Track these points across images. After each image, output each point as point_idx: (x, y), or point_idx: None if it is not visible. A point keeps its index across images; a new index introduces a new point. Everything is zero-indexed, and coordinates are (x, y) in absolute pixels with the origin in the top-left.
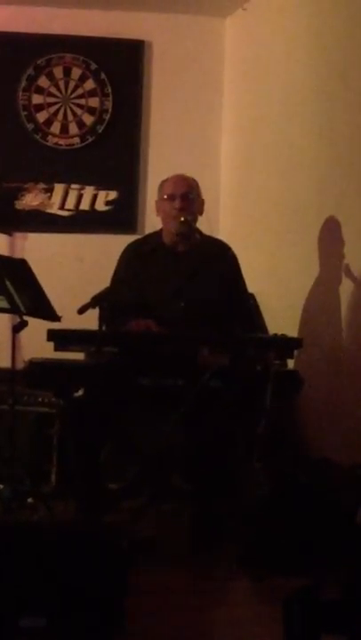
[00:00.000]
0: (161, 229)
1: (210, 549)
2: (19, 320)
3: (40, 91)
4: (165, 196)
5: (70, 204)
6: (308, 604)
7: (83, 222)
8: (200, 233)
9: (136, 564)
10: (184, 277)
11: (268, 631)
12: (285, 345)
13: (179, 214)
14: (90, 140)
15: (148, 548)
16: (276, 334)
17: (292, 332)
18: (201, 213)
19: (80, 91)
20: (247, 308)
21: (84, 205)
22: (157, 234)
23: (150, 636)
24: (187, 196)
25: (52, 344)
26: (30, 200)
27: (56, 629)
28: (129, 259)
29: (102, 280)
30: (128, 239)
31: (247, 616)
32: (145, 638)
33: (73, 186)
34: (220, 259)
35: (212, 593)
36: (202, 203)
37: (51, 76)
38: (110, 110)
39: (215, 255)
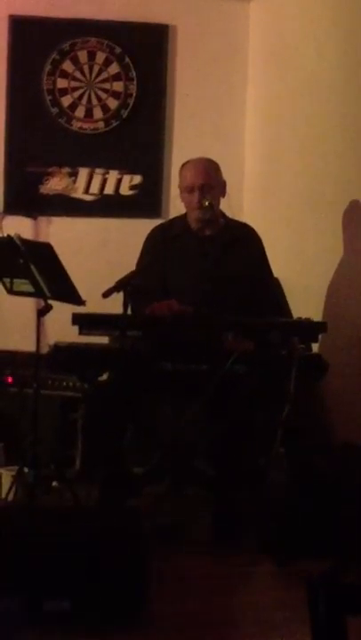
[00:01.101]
0: (186, 213)
1: (232, 535)
2: (43, 304)
3: (64, 75)
4: (185, 188)
5: (95, 188)
6: (332, 586)
7: (107, 206)
8: (224, 216)
9: (158, 549)
10: (209, 261)
11: (291, 616)
12: (310, 329)
13: (199, 205)
14: (114, 124)
15: (171, 533)
16: (300, 318)
17: (317, 317)
18: (223, 196)
19: (104, 75)
20: (272, 291)
21: (109, 190)
22: (183, 217)
23: (172, 620)
24: (205, 187)
25: (76, 328)
26: (55, 184)
27: (79, 613)
28: (154, 242)
29: (127, 264)
30: (152, 223)
31: (270, 601)
32: (167, 623)
33: (97, 170)
34: (245, 242)
35: (234, 578)
36: (223, 185)
37: (75, 61)
38: (135, 94)
39: (240, 239)
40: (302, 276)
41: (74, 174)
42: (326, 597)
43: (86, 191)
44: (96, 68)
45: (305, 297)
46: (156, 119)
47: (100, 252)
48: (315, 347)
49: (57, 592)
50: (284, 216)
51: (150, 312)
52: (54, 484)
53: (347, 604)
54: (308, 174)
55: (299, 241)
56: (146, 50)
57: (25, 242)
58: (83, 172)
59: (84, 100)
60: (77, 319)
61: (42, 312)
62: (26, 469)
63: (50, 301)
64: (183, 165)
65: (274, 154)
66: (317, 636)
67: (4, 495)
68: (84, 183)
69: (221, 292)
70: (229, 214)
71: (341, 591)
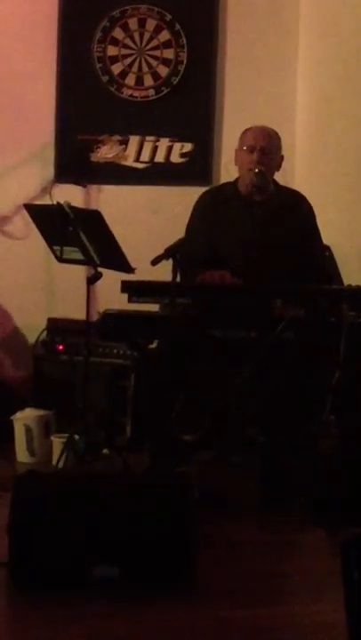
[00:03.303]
0: (237, 178)
1: (281, 502)
2: (93, 272)
3: (115, 42)
4: (245, 147)
5: (145, 156)
6: None
7: (158, 174)
8: (275, 183)
9: (206, 515)
10: (258, 227)
11: (337, 581)
12: (359, 296)
13: (255, 166)
14: (165, 91)
15: (220, 500)
16: (350, 285)
17: None
18: (279, 169)
19: (155, 42)
20: (322, 259)
21: (159, 157)
22: (233, 183)
23: (220, 585)
24: (266, 150)
25: (125, 296)
26: (105, 152)
27: (128, 579)
28: (203, 207)
29: (176, 232)
30: (203, 191)
31: (320, 567)
32: (215, 588)
33: (148, 138)
34: (295, 209)
35: (283, 544)
36: (281, 158)
37: (125, 28)
38: (185, 62)
39: (290, 206)
40: (353, 244)
41: (124, 142)
42: (359, 561)
43: (137, 159)
44: (146, 36)
45: (356, 264)
46: (207, 86)
47: (149, 220)
48: None
49: (105, 558)
50: (335, 183)
51: (202, 280)
52: (104, 451)
53: None
54: (358, 142)
55: (350, 208)
56: (196, 17)
57: (74, 209)
58: (133, 140)
59: (135, 68)
60: (127, 287)
61: (91, 280)
62: (76, 436)
63: (99, 269)
64: (248, 128)
65: (325, 120)
66: (350, 600)
67: (54, 462)
68: (135, 151)
69: (269, 257)
70: (281, 182)
71: None
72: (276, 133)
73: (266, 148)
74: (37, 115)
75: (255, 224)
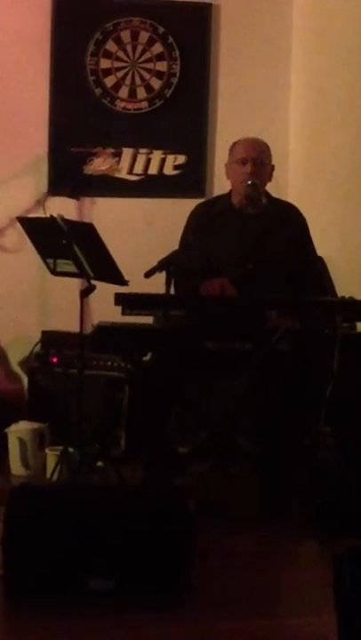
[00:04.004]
0: (230, 191)
1: (277, 513)
2: (86, 284)
3: (108, 55)
4: (237, 160)
5: (139, 168)
6: (358, 561)
7: (151, 187)
8: (268, 196)
9: (203, 527)
10: (252, 240)
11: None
12: (353, 308)
13: (249, 178)
14: (158, 104)
15: (216, 510)
16: (343, 297)
17: None
18: (270, 179)
19: (148, 55)
20: (316, 271)
21: (153, 170)
22: (226, 196)
23: (216, 598)
24: (258, 161)
25: (119, 308)
26: (99, 165)
27: (124, 591)
28: (197, 220)
29: (170, 244)
30: (196, 203)
31: (315, 579)
32: (211, 600)
33: (141, 150)
34: (288, 221)
35: (279, 555)
36: (272, 168)
37: (118, 41)
38: (178, 74)
39: (284, 218)
40: (347, 255)
41: (118, 155)
42: (351, 574)
43: (130, 171)
44: (139, 48)
45: (349, 276)
46: (200, 99)
47: (143, 233)
48: (359, 326)
49: (102, 570)
50: (328, 194)
51: (204, 288)
52: (99, 463)
53: None
54: (352, 153)
55: (344, 220)
56: (189, 29)
57: (68, 222)
58: (127, 153)
59: (128, 80)
60: (120, 299)
61: (85, 292)
62: (71, 449)
63: (93, 282)
64: (236, 141)
65: (318, 132)
66: (342, 613)
67: (49, 475)
68: (128, 163)
69: (263, 270)
70: (274, 193)
71: None
72: (266, 143)
73: (258, 158)
74: (31, 127)
75: (249, 237)
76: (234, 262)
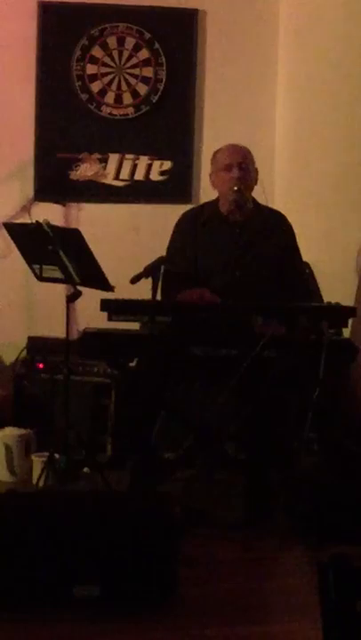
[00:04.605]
0: (217, 198)
1: (263, 519)
2: (72, 290)
3: (94, 61)
4: (222, 167)
5: (125, 174)
6: (342, 570)
7: (137, 192)
8: (255, 202)
9: (188, 533)
10: (239, 247)
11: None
12: (339, 314)
13: (236, 183)
14: (144, 109)
15: (201, 517)
16: (330, 303)
17: (348, 301)
18: (256, 183)
19: (134, 60)
20: (303, 278)
21: (139, 175)
22: (213, 203)
23: (202, 604)
24: (243, 165)
25: (105, 314)
26: (85, 170)
27: (109, 598)
28: (184, 228)
29: (157, 250)
30: (183, 209)
31: (301, 585)
32: (197, 607)
33: (127, 156)
34: (275, 228)
35: (264, 562)
36: (256, 172)
37: (105, 46)
38: (164, 80)
39: (271, 225)
40: (333, 261)
41: (104, 160)
42: (336, 582)
43: (116, 177)
44: (125, 54)
45: (335, 282)
46: (186, 104)
47: (129, 238)
48: (345, 332)
49: (86, 578)
50: (314, 200)
51: (182, 299)
52: (85, 470)
53: (358, 588)
54: (339, 159)
55: (330, 226)
56: (175, 35)
57: (54, 228)
58: (113, 158)
59: (114, 86)
60: (106, 305)
61: (71, 298)
62: (57, 455)
63: (79, 287)
64: (217, 150)
65: (304, 138)
66: (327, 621)
67: (34, 481)
68: (115, 169)
69: (251, 277)
70: (262, 200)
71: (352, 576)
72: (247, 148)
73: (243, 163)
74: (16, 133)
75: (237, 244)
76: (221, 270)
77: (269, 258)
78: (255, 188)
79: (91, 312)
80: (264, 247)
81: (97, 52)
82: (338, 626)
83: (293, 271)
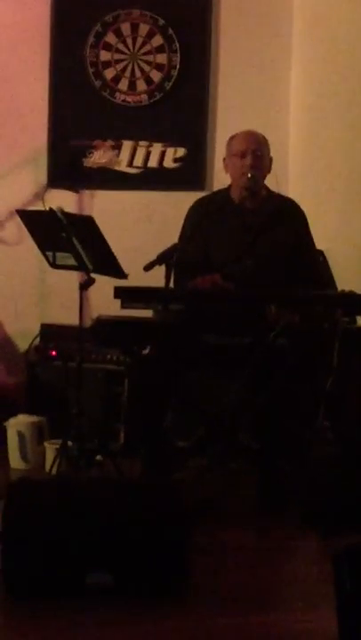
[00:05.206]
0: (229, 186)
1: (275, 508)
2: (86, 277)
3: (108, 47)
4: (236, 153)
5: (138, 161)
6: (358, 561)
7: (151, 179)
8: (267, 190)
9: (201, 522)
10: (252, 235)
11: (332, 589)
12: (353, 302)
13: (249, 170)
14: (158, 96)
15: (214, 505)
16: (343, 291)
17: None
18: (269, 171)
19: (148, 47)
20: (316, 265)
21: (153, 162)
22: (226, 190)
23: (215, 593)
24: (257, 152)
25: (119, 301)
26: (98, 157)
27: (121, 586)
28: (196, 215)
29: (170, 237)
30: (196, 196)
31: (313, 574)
32: (209, 595)
33: (141, 143)
34: (288, 216)
35: (277, 551)
36: (270, 160)
37: (118, 33)
38: (178, 67)
39: (283, 212)
40: (347, 249)
41: (117, 147)
42: (351, 573)
43: (130, 164)
44: (139, 41)
45: (350, 270)
46: (200, 91)
47: (143, 226)
48: (360, 320)
49: (99, 565)
50: (329, 188)
51: (193, 286)
52: (98, 457)
53: None
54: (353, 146)
55: (345, 213)
56: (189, 21)
57: (67, 215)
58: (126, 145)
59: (128, 73)
60: (119, 293)
61: (84, 285)
62: (70, 443)
63: (92, 275)
64: (233, 135)
65: (319, 125)
66: (342, 611)
67: (47, 468)
68: (128, 156)
69: (263, 265)
70: (275, 186)
71: None
72: (263, 136)
73: (257, 150)
74: (30, 120)
75: (249, 232)
76: (233, 258)
77: (281, 245)
78: (269, 175)
79: (104, 300)
80: (276, 235)
81: (111, 38)
82: (353, 616)
83: (306, 259)
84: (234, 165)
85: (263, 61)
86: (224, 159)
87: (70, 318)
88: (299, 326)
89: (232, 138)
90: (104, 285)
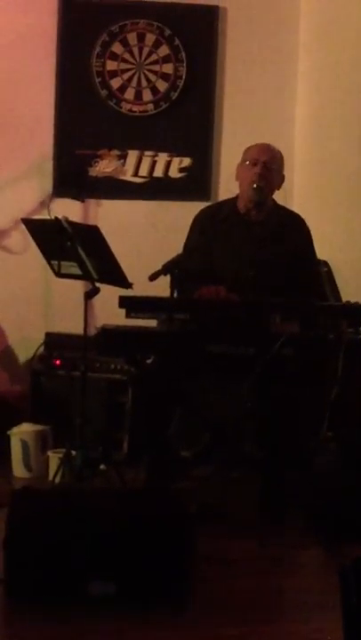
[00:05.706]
0: (236, 196)
1: (278, 517)
2: (91, 287)
3: (114, 57)
4: (248, 161)
5: (144, 170)
6: None
7: (156, 189)
8: (274, 202)
9: (204, 531)
10: (255, 246)
11: (336, 599)
12: (357, 313)
13: (256, 180)
14: (164, 106)
15: (217, 515)
16: (348, 302)
17: None
18: (279, 188)
19: (154, 57)
20: (317, 279)
21: (158, 172)
22: (232, 201)
23: (217, 602)
24: (268, 165)
25: (123, 311)
26: (104, 167)
27: (124, 595)
28: (202, 224)
29: (175, 247)
30: (201, 206)
31: (318, 584)
32: (212, 605)
33: (147, 153)
34: (292, 230)
35: (280, 560)
36: (282, 179)
37: (125, 43)
38: (184, 76)
39: (288, 225)
40: (352, 260)
41: (123, 157)
42: (357, 586)
43: (135, 174)
44: (145, 50)
45: (354, 281)
46: (206, 101)
47: (148, 235)
48: None
49: (101, 574)
50: (333, 198)
51: (198, 296)
52: (101, 466)
53: None
54: (358, 158)
55: (349, 224)
56: (196, 31)
57: (72, 224)
58: (132, 155)
59: (134, 83)
60: (124, 302)
61: (89, 295)
62: (73, 452)
63: (97, 284)
64: (251, 145)
65: (324, 137)
66: (348, 625)
67: (51, 477)
68: (134, 166)
69: (266, 276)
70: (280, 198)
71: None
72: (280, 152)
73: (268, 162)
74: (36, 129)
75: (253, 243)
76: (236, 268)
77: (284, 258)
78: (276, 192)
79: (109, 309)
80: (279, 248)
81: (117, 48)
82: (359, 628)
83: (306, 272)
84: (243, 172)
85: (269, 71)
86: (238, 166)
87: (75, 327)
88: (303, 337)
89: (250, 147)
90: (109, 295)
